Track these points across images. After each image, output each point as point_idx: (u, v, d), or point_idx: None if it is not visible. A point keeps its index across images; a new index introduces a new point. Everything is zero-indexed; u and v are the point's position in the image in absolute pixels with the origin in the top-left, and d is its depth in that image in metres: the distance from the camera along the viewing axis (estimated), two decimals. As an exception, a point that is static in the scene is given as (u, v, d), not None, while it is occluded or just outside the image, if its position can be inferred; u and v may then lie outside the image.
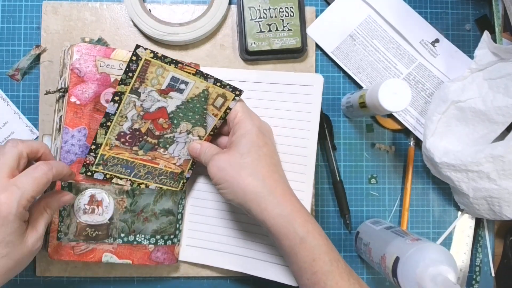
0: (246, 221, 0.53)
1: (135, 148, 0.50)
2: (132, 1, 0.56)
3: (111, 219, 0.51)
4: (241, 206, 0.45)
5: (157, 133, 0.50)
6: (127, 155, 0.50)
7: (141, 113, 0.48)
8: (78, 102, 0.49)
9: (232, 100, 0.48)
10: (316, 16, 0.60)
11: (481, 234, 0.60)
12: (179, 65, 0.46)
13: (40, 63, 0.57)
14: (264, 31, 0.57)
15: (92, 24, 0.57)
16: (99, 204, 0.50)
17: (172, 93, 0.48)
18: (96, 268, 0.56)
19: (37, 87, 0.57)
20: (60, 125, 0.50)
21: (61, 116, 0.50)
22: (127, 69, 0.45)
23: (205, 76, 0.47)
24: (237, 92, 0.48)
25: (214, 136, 0.52)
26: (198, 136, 0.51)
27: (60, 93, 0.50)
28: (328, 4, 0.60)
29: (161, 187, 0.52)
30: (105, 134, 0.48)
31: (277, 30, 0.57)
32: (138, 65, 0.45)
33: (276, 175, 0.45)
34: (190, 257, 0.55)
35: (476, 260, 0.60)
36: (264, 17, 0.57)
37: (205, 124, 0.50)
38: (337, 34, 0.59)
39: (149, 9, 0.58)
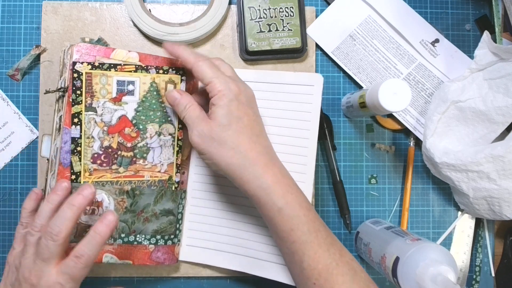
0: (247, 221, 0.53)
1: (114, 166, 0.50)
2: (132, 1, 0.56)
3: None
4: (224, 175, 0.46)
5: (128, 144, 0.50)
6: (110, 176, 0.50)
7: (105, 128, 0.49)
8: None
9: (181, 82, 0.49)
10: (316, 16, 0.60)
11: (481, 234, 0.60)
12: (118, 67, 0.48)
13: (40, 63, 0.57)
14: (264, 31, 0.57)
15: (92, 24, 0.57)
16: (99, 205, 0.50)
17: (124, 98, 0.49)
18: (96, 268, 0.56)
19: (37, 87, 0.57)
20: (60, 125, 0.50)
21: (61, 116, 0.50)
22: (74, 88, 0.47)
23: (146, 69, 0.48)
24: (181, 72, 0.49)
25: (184, 127, 0.52)
26: (169, 134, 0.51)
27: (60, 93, 0.50)
28: (328, 4, 0.60)
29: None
30: (80, 160, 0.49)
31: (277, 30, 0.57)
32: (81, 80, 0.47)
33: (258, 146, 0.45)
34: (190, 257, 0.55)
35: (476, 260, 0.60)
36: (264, 17, 0.57)
37: (169, 119, 0.51)
38: (337, 34, 0.59)
39: (149, 9, 0.58)
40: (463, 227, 0.60)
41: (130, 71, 0.48)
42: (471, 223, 0.60)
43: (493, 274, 0.60)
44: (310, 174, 0.52)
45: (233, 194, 0.54)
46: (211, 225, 0.54)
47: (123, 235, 0.51)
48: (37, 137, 0.57)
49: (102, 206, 0.50)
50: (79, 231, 0.50)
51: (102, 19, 0.58)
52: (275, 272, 0.52)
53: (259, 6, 0.57)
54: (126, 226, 0.51)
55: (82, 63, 0.46)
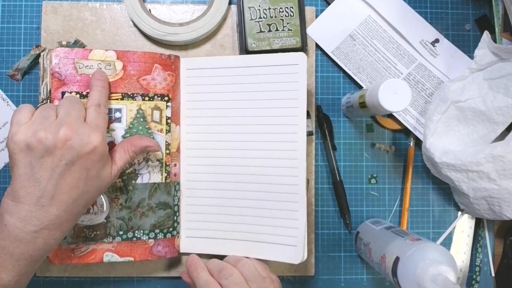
0: (242, 205, 0.54)
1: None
2: (132, 1, 0.56)
3: (107, 217, 0.51)
4: None
5: None
6: None
7: None
8: None
9: (166, 108, 0.52)
10: (316, 16, 0.60)
11: (481, 234, 0.60)
12: None
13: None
14: (264, 31, 0.57)
15: (92, 24, 0.57)
16: (93, 204, 0.50)
17: (112, 125, 0.50)
18: (96, 268, 0.56)
19: (37, 87, 0.57)
20: None
21: None
22: None
23: (132, 96, 0.50)
24: (166, 98, 0.51)
25: (172, 155, 0.53)
26: (157, 160, 0.52)
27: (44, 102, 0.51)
28: (328, 4, 0.60)
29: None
30: None
31: (277, 30, 0.57)
32: None
33: None
34: (191, 248, 0.55)
35: (476, 260, 0.60)
36: (264, 17, 0.57)
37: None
38: (337, 34, 0.59)
39: (149, 9, 0.58)
40: (463, 227, 0.60)
41: (117, 99, 0.50)
42: (471, 223, 0.60)
43: (493, 274, 0.60)
44: (302, 150, 0.51)
45: (226, 180, 0.54)
46: (208, 214, 0.54)
47: (121, 233, 0.51)
48: (37, 137, 0.57)
49: (96, 204, 0.51)
50: (77, 232, 0.50)
51: (102, 19, 0.58)
52: (275, 252, 0.52)
53: (259, 6, 0.57)
54: (124, 223, 0.51)
55: (70, 92, 0.49)
